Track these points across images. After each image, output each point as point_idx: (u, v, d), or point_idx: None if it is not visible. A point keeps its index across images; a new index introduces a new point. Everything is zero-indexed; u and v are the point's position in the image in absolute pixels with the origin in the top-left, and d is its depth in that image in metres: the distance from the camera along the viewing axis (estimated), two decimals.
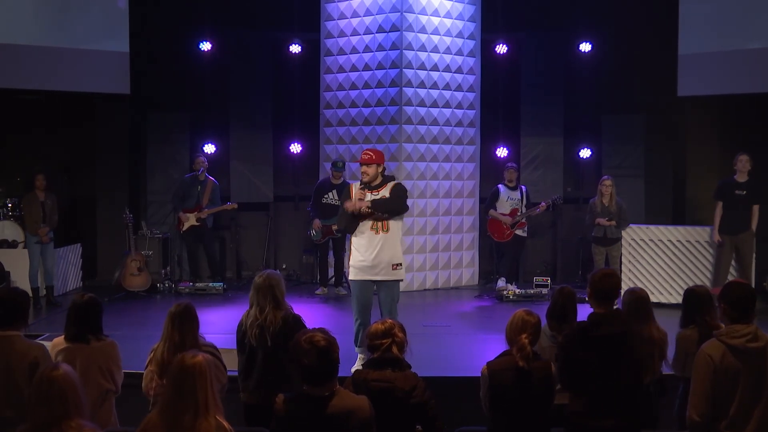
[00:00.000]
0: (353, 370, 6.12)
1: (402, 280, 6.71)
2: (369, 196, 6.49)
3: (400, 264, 6.55)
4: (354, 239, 6.59)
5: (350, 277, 6.68)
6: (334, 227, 10.06)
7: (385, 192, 6.54)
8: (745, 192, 8.91)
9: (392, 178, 6.75)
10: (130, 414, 4.59)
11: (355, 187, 6.61)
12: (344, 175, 10.25)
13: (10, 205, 10.17)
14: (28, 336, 4.54)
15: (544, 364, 4.33)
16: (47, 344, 4.73)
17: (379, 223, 6.47)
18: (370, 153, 6.58)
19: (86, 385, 4.46)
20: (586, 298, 4.40)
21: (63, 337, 4.66)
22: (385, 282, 6.53)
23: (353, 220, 6.49)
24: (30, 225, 9.38)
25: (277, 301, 4.82)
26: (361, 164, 6.58)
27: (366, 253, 6.47)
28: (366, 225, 6.48)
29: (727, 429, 3.89)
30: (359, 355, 6.49)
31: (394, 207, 6.50)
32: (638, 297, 5.05)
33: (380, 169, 6.57)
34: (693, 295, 4.99)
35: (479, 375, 4.33)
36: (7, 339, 4.37)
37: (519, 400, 4.20)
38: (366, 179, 6.53)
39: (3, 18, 10.28)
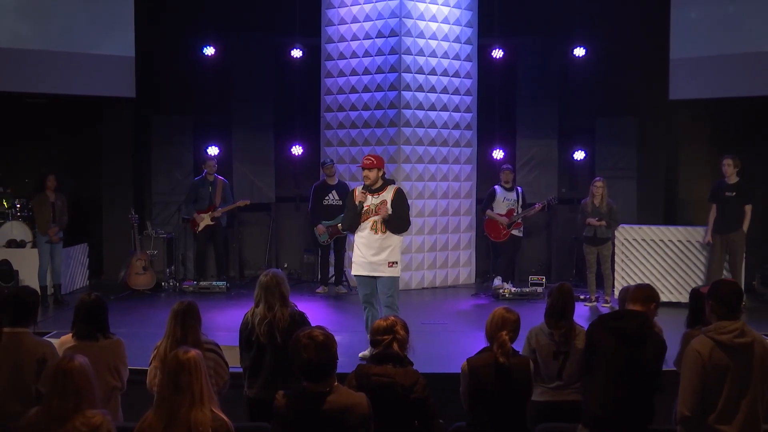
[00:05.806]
0: (361, 355, 6.41)
1: (398, 277, 7.09)
2: (369, 199, 6.95)
3: (396, 262, 6.99)
4: (356, 237, 7.07)
5: (351, 272, 7.27)
6: (340, 226, 10.29)
7: (386, 195, 6.96)
8: (734, 194, 9.10)
9: (392, 182, 7.17)
10: (134, 410, 4.65)
11: (358, 191, 7.08)
12: (337, 174, 10.49)
13: (18, 205, 10.27)
14: (35, 334, 4.67)
15: (523, 360, 4.43)
16: (54, 342, 4.81)
17: (379, 224, 6.94)
18: (372, 158, 7.00)
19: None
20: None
21: (70, 335, 4.75)
22: (382, 278, 6.96)
23: (356, 221, 6.98)
24: (40, 225, 9.50)
25: (284, 299, 4.89)
26: (363, 168, 6.98)
27: (365, 250, 6.98)
28: (366, 225, 6.96)
29: (716, 422, 3.95)
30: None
31: (399, 228, 6.99)
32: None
33: (380, 173, 7.01)
34: (699, 295, 4.99)
35: None
36: (16, 336, 4.48)
37: (499, 396, 4.27)
38: (368, 183, 6.97)
39: (9, 23, 10.42)
